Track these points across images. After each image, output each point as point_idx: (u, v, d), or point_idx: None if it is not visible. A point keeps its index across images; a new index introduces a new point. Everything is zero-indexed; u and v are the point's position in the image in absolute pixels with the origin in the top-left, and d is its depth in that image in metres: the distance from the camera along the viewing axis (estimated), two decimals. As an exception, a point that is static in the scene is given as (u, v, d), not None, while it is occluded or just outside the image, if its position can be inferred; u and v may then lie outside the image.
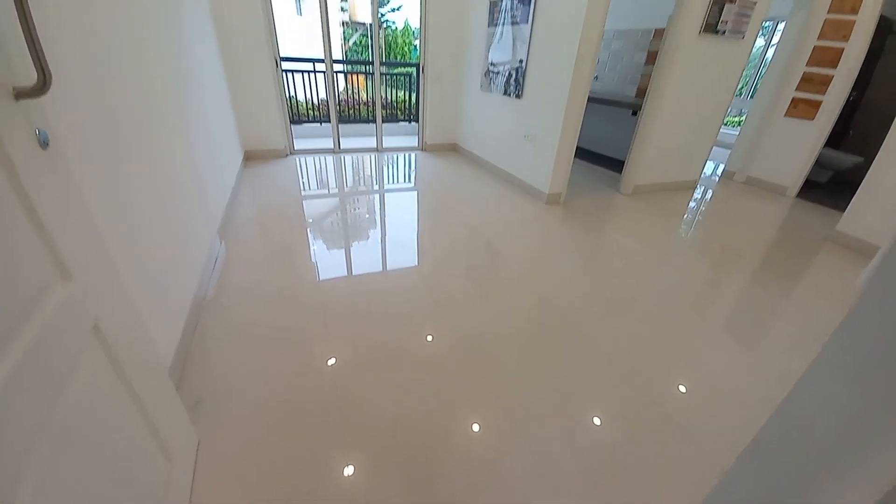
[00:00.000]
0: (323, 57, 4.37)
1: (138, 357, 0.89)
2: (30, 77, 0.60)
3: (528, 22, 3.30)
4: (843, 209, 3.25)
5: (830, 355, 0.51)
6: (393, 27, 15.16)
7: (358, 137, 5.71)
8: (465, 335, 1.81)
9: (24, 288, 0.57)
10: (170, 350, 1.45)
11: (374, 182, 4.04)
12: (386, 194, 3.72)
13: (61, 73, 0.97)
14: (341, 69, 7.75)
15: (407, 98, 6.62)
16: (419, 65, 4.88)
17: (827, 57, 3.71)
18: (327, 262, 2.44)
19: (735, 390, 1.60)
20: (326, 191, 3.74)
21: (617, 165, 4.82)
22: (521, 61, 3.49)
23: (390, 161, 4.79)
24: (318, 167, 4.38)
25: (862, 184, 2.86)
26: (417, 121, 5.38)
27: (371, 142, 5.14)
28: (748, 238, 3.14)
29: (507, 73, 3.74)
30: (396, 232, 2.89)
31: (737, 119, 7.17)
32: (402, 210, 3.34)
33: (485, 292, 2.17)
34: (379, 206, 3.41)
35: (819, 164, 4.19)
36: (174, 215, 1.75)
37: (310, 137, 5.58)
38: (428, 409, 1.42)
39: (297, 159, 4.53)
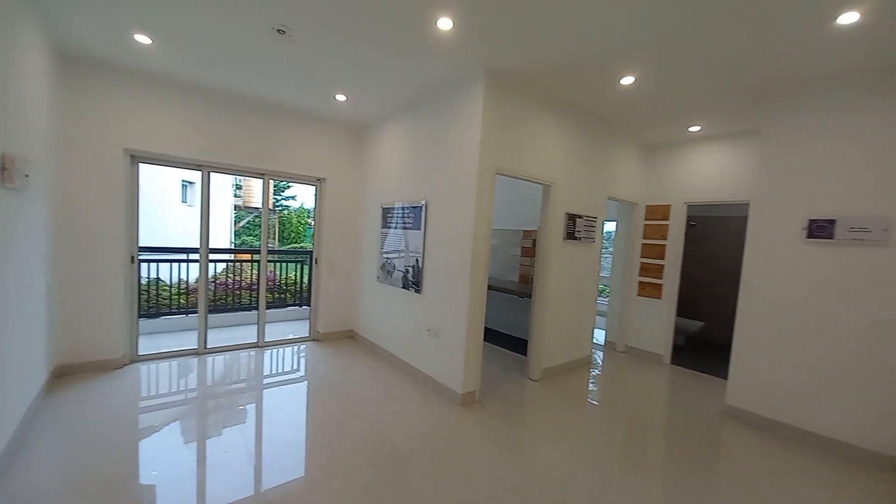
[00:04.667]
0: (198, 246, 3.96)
1: None
2: None
3: (420, 228, 3.54)
4: (712, 372, 4.26)
5: None
6: (288, 210, 16.00)
7: (235, 328, 4.95)
8: None
9: None
10: None
11: (252, 391, 3.23)
12: (265, 411, 2.92)
13: None
14: (226, 257, 7.32)
15: (298, 279, 6.31)
16: (312, 254, 4.79)
17: (654, 251, 4.73)
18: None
19: None
20: (178, 415, 2.77)
21: (512, 342, 4.97)
22: (416, 260, 3.60)
23: (274, 359, 4.06)
24: (170, 378, 3.41)
25: (731, 364, 3.24)
26: (309, 304, 4.97)
27: (251, 333, 4.42)
28: (659, 420, 3.14)
29: (404, 269, 3.78)
30: (274, 475, 2.08)
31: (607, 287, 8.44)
32: (288, 441, 2.56)
33: None
34: (255, 432, 2.58)
35: (674, 330, 4.86)
36: None
37: (170, 332, 4.63)
38: None
39: (142, 369, 3.51)
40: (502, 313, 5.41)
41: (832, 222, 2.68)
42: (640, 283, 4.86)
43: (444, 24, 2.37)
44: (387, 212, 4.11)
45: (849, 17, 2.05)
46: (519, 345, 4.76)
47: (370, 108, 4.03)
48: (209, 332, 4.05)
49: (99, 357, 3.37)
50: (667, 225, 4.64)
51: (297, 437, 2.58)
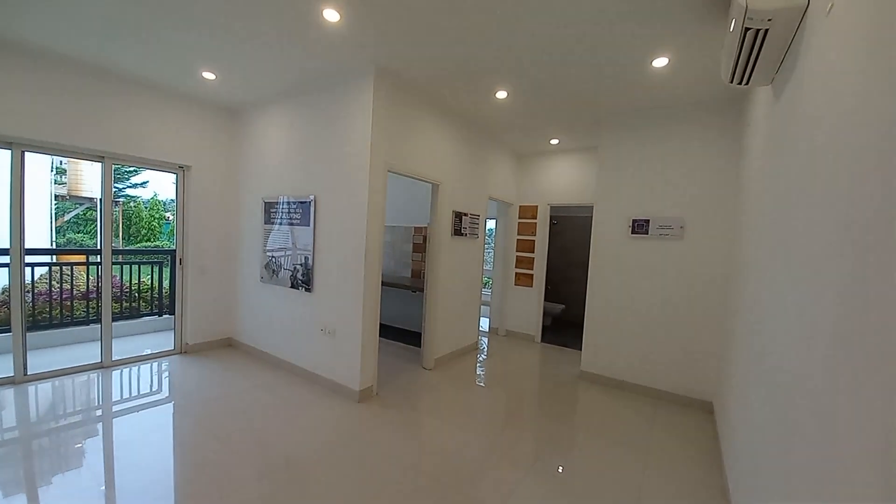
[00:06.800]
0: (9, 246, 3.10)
1: None
2: None
3: (310, 224, 3.41)
4: (569, 345, 5.03)
5: None
6: (136, 201, 13.32)
7: (68, 348, 4.03)
8: None
9: None
10: None
11: (97, 421, 2.69)
12: (118, 444, 2.48)
13: None
14: (48, 259, 5.77)
15: (156, 283, 5.37)
16: (175, 253, 4.16)
17: (526, 246, 5.41)
18: None
19: None
20: (-20, 467, 2.16)
21: (407, 335, 5.13)
22: (306, 258, 3.46)
23: (127, 380, 3.44)
24: (-33, 420, 2.62)
25: (584, 338, 3.94)
26: (173, 313, 4.31)
27: (92, 352, 3.65)
28: (531, 388, 3.67)
29: (292, 268, 3.59)
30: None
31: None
32: (152, 472, 2.23)
33: None
34: (105, 470, 2.17)
35: (543, 313, 5.67)
36: None
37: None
38: None
39: (-85, 413, 2.61)
40: (396, 308, 5.52)
41: (647, 222, 3.50)
42: (517, 274, 5.51)
43: (331, 15, 2.34)
44: (270, 206, 3.83)
45: (661, 62, 2.69)
46: (413, 337, 4.94)
47: (247, 91, 3.69)
48: (29, 354, 3.22)
49: None
50: (535, 223, 5.36)
51: (163, 466, 2.26)
